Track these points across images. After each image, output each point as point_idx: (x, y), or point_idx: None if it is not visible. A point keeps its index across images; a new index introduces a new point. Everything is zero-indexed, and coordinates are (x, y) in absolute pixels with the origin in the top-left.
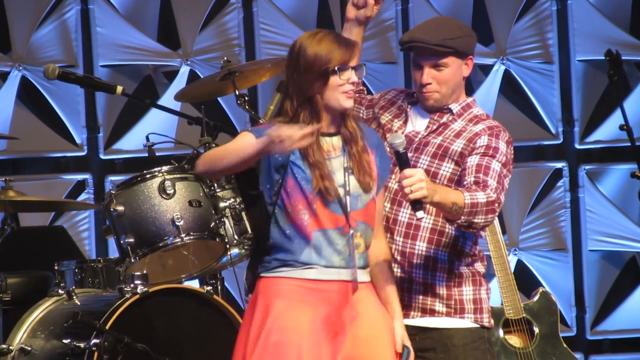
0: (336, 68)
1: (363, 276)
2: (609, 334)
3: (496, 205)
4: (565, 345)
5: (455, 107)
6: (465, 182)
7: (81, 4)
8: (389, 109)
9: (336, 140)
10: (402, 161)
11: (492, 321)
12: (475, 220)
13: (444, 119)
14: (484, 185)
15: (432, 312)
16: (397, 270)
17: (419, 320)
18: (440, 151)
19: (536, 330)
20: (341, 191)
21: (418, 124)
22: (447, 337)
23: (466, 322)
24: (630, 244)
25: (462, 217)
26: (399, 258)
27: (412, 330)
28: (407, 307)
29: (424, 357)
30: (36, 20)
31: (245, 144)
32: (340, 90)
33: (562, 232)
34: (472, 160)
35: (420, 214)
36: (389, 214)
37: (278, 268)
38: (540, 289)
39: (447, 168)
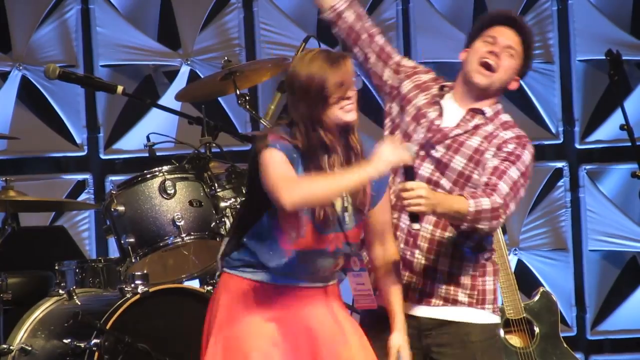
0: (332, 89)
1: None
2: (609, 334)
3: (501, 211)
4: (565, 345)
5: (488, 111)
6: (477, 180)
7: (81, 3)
8: (425, 92)
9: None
10: (408, 172)
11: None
12: (480, 226)
13: (476, 120)
14: (493, 189)
15: (455, 302)
16: (420, 258)
17: (439, 310)
18: (476, 155)
19: (537, 330)
20: (339, 210)
21: (449, 118)
22: (464, 333)
23: (484, 315)
24: (631, 243)
25: (465, 224)
26: (425, 245)
27: (429, 325)
28: (429, 295)
29: (441, 352)
30: (36, 20)
31: (349, 176)
32: (339, 107)
33: (563, 232)
34: (492, 162)
35: (415, 225)
36: None
37: (242, 267)
38: (541, 289)
39: (480, 173)
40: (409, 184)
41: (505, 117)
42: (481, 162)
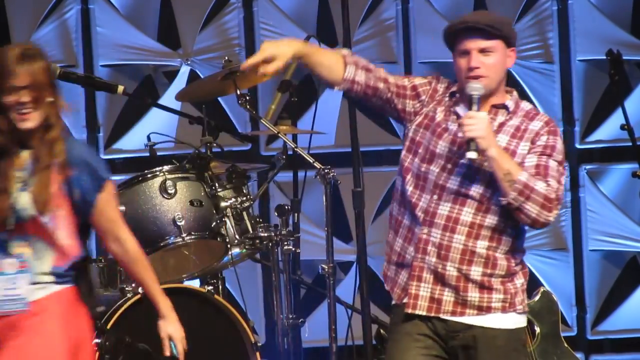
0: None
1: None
2: (609, 334)
3: (555, 203)
4: (566, 345)
5: (510, 104)
6: None
7: (81, 3)
8: (441, 106)
9: (26, 154)
10: (471, 105)
11: None
12: (527, 207)
13: (500, 117)
14: (547, 185)
15: (489, 309)
16: (452, 270)
17: (473, 319)
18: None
19: (537, 329)
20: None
21: None
22: (491, 336)
23: (513, 319)
24: (631, 243)
25: (512, 194)
26: (457, 257)
27: (457, 327)
28: (462, 305)
29: (467, 353)
30: (36, 20)
31: None
32: (14, 111)
33: (563, 232)
34: (531, 161)
35: (470, 154)
36: (450, 212)
37: None
38: (542, 289)
39: None
40: (471, 112)
41: (526, 105)
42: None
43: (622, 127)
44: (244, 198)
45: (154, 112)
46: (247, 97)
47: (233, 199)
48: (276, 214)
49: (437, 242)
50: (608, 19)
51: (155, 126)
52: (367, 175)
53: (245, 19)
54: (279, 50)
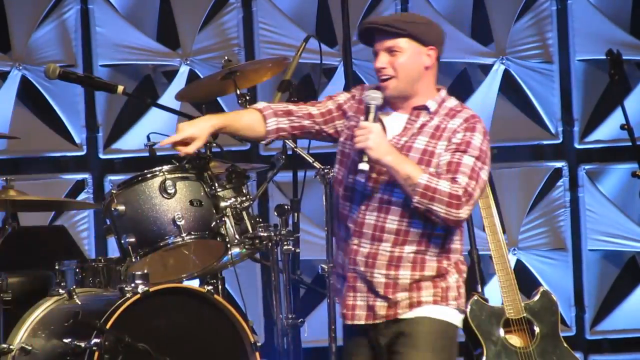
0: None
1: None
2: (608, 334)
3: (463, 200)
4: (565, 345)
5: (432, 105)
6: None
7: (81, 3)
8: (362, 114)
9: None
10: (367, 114)
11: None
12: (434, 208)
13: (422, 118)
14: (453, 182)
15: (419, 304)
16: (380, 277)
17: (405, 314)
18: (426, 156)
19: (537, 329)
20: None
21: (393, 127)
22: (416, 322)
23: (444, 311)
24: (630, 243)
25: (415, 197)
26: (384, 263)
27: (389, 325)
28: (394, 307)
29: (393, 342)
30: (36, 20)
31: None
32: None
33: (562, 232)
34: (445, 158)
35: (362, 165)
36: (376, 221)
37: None
38: (541, 289)
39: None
40: (364, 123)
41: (451, 102)
42: (432, 161)
43: (622, 127)
44: (244, 198)
45: (153, 112)
46: (247, 97)
47: (233, 199)
48: (276, 213)
49: (365, 251)
50: (607, 19)
51: (155, 126)
52: None
53: (244, 19)
54: (196, 129)
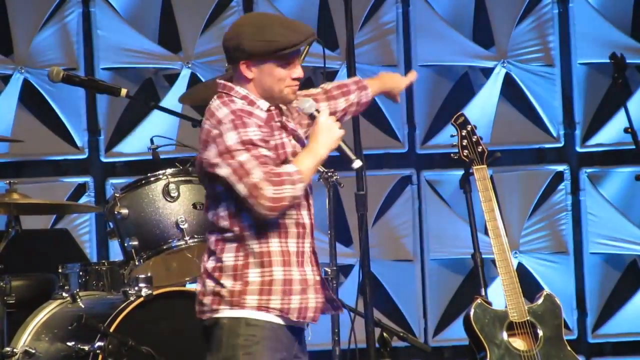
0: None
1: None
2: (610, 337)
3: (257, 194)
4: (569, 348)
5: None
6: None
7: (82, 6)
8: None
9: None
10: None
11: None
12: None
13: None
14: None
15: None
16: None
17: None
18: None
19: (540, 333)
20: None
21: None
22: (213, 323)
23: (239, 311)
24: (632, 247)
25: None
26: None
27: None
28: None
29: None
30: (38, 23)
31: None
32: None
33: (563, 235)
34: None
35: (357, 163)
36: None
37: None
38: (545, 292)
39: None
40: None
41: (213, 104)
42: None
43: (625, 130)
44: None
45: (155, 115)
46: None
47: None
48: None
49: None
50: (609, 23)
51: (156, 129)
52: (367, 179)
53: None
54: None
